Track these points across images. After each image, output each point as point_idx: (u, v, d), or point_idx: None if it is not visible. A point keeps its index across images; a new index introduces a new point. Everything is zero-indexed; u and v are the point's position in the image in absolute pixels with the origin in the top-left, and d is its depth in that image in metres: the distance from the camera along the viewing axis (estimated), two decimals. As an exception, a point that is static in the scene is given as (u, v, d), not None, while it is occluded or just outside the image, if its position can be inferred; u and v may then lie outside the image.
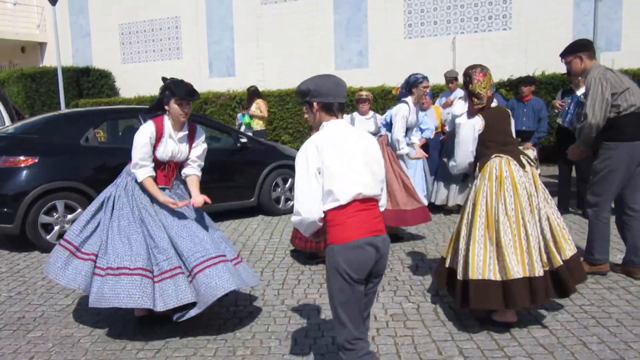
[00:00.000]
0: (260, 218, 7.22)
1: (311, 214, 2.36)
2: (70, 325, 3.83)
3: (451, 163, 3.93)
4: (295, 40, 14.05)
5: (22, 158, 5.63)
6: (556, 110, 6.70)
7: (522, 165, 3.55)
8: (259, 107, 9.61)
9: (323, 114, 2.49)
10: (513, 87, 9.94)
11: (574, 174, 6.82)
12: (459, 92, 7.24)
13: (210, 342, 3.48)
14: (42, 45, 18.38)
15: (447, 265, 3.72)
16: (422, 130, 6.56)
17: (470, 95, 3.67)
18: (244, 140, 7.12)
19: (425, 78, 5.40)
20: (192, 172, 3.85)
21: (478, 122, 3.64)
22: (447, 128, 6.80)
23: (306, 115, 2.56)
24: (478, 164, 3.70)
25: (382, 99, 11.30)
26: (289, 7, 14.13)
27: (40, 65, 17.50)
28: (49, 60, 17.96)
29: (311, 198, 2.36)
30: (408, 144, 5.67)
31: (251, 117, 9.61)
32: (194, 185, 3.80)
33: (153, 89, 15.11)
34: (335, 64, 13.80)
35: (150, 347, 3.44)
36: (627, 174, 4.35)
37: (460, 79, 6.91)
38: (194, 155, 3.82)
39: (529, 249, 3.39)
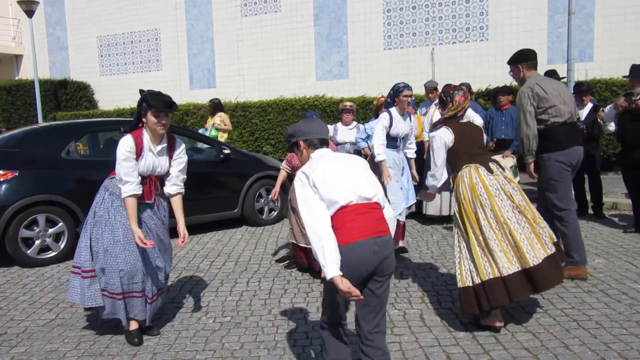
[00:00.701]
0: (244, 229, 7.22)
1: (317, 226, 2.40)
2: (54, 340, 3.79)
3: (428, 180, 4.03)
4: (276, 52, 14.13)
5: (1, 172, 5.56)
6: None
7: (490, 171, 3.68)
8: (223, 120, 9.45)
9: (310, 149, 2.71)
10: (491, 96, 10.14)
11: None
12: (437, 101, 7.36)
13: (199, 354, 3.48)
14: (18, 58, 18.16)
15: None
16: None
17: (449, 115, 3.87)
18: (227, 151, 7.13)
19: (406, 86, 5.43)
20: (176, 190, 3.79)
21: (448, 134, 3.80)
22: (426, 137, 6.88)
23: (297, 157, 2.82)
24: (451, 177, 3.88)
25: (363, 110, 11.41)
26: (269, 19, 14.23)
27: (17, 78, 17.28)
28: (25, 72, 17.75)
29: (315, 213, 2.43)
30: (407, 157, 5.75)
31: (217, 130, 9.44)
32: (179, 209, 3.78)
33: (132, 101, 14.99)
34: (316, 75, 13.91)
35: (138, 360, 3.43)
36: (570, 176, 4.65)
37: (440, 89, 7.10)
38: (176, 170, 3.76)
39: (517, 244, 3.51)
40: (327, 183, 2.46)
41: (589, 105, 6.97)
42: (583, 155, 4.71)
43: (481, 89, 10.77)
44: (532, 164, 4.68)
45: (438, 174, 3.93)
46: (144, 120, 3.55)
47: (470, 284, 3.57)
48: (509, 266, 3.49)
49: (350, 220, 2.42)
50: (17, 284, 5.08)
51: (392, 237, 2.58)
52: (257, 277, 5.07)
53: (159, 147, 3.63)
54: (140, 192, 3.56)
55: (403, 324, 3.85)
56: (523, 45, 12.08)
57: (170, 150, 3.72)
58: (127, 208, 3.52)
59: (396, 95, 5.41)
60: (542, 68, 8.06)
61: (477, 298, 3.54)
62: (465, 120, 3.98)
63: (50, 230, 5.72)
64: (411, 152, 5.78)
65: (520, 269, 3.50)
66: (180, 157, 3.78)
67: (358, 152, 6.82)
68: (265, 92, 13.83)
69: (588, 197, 7.13)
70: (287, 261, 5.36)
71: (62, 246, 5.78)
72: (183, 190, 3.85)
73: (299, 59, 13.98)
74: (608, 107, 6.35)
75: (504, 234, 3.55)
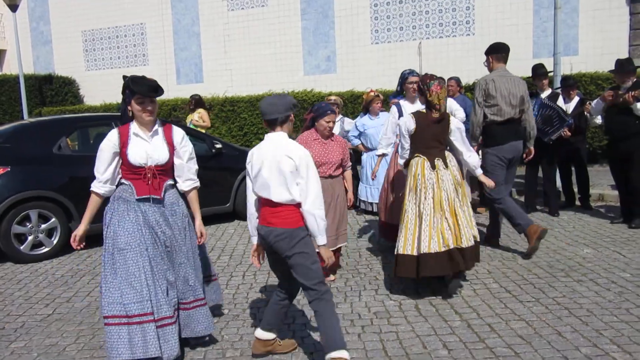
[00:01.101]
0: (236, 223, 7.24)
1: (251, 208, 3.17)
2: (53, 335, 3.80)
3: (399, 161, 4.60)
4: (263, 47, 14.10)
5: (-8, 167, 5.52)
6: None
7: (433, 167, 4.21)
8: (201, 116, 9.33)
9: (267, 128, 3.12)
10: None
11: (540, 174, 7.08)
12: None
13: (200, 345, 3.51)
14: (1, 53, 17.87)
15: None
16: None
17: (429, 105, 4.30)
18: (218, 145, 7.14)
19: (412, 72, 5.34)
20: (190, 186, 3.48)
21: (411, 122, 4.32)
22: None
23: None
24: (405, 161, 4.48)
25: (352, 104, 11.46)
26: (255, 13, 14.18)
27: (0, 73, 17.01)
28: (9, 67, 17.48)
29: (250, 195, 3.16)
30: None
31: (195, 127, 9.14)
32: (194, 205, 3.50)
33: (119, 96, 14.80)
34: (304, 70, 13.91)
35: (139, 353, 3.44)
36: (503, 170, 5.20)
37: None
38: (183, 161, 3.42)
39: (428, 231, 4.10)
40: (255, 174, 3.08)
41: (576, 99, 7.09)
42: (522, 149, 5.28)
43: (468, 82, 10.86)
44: (476, 147, 5.23)
45: (405, 154, 4.47)
46: (129, 108, 3.26)
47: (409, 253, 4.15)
48: (409, 247, 4.13)
49: (260, 208, 3.14)
50: (11, 280, 5.06)
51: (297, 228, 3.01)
52: (252, 271, 5.11)
53: (150, 133, 3.31)
54: (103, 193, 3.31)
55: (399, 314, 3.92)
56: (509, 40, 12.22)
57: (168, 139, 3.36)
58: (89, 204, 3.30)
59: (404, 83, 5.36)
60: (528, 62, 8.21)
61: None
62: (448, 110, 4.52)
63: (43, 226, 5.70)
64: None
65: (416, 253, 4.10)
66: (184, 145, 3.41)
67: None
68: (253, 87, 13.80)
69: (575, 189, 7.26)
70: None
71: (54, 242, 5.77)
72: (198, 184, 3.52)
73: (287, 53, 13.96)
74: (595, 100, 6.47)
75: (423, 220, 4.13)
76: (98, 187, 3.31)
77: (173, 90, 14.35)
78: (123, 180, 3.34)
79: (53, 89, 15.71)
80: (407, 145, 4.41)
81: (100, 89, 15.66)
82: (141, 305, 3.11)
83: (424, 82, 4.29)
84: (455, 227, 4.13)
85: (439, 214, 4.13)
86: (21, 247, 5.58)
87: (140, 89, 3.20)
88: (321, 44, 13.75)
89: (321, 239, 3.00)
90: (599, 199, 7.59)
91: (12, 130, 6.09)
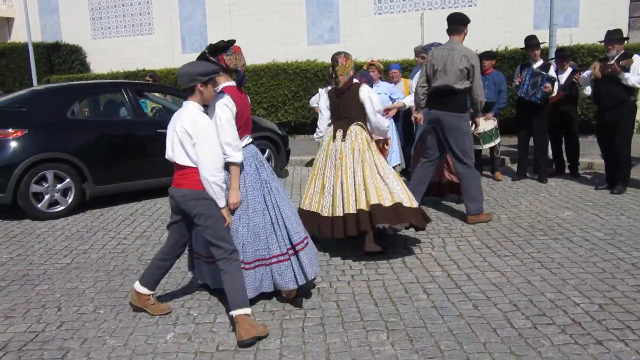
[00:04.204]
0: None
1: None
2: (73, 280, 4.20)
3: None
4: (268, 16, 14.24)
5: (10, 130, 5.87)
6: (516, 84, 7.21)
7: (335, 138, 4.50)
8: None
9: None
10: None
11: (531, 143, 7.37)
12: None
13: (205, 289, 3.90)
14: (9, 21, 18.06)
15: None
16: (393, 100, 7.02)
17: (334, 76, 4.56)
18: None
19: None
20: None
21: (325, 98, 4.69)
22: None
23: None
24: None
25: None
26: (260, -18, 14.28)
27: (8, 41, 17.25)
28: (17, 36, 17.70)
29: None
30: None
31: None
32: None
33: (125, 64, 15.15)
34: (308, 40, 14.08)
35: (151, 295, 3.85)
36: (435, 135, 5.45)
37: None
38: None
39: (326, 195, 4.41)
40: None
41: (569, 70, 7.32)
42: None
43: (469, 54, 11.05)
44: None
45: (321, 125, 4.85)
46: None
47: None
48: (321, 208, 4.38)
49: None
50: (31, 234, 5.47)
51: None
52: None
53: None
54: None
55: (386, 265, 4.29)
56: (510, 11, 12.39)
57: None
58: (237, 174, 3.37)
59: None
60: (528, 33, 8.38)
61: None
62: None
63: (59, 186, 6.08)
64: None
65: (329, 215, 4.32)
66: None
67: None
68: (257, 57, 13.98)
69: (565, 158, 7.55)
70: None
71: (69, 200, 6.15)
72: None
73: (291, 23, 14.11)
74: (586, 72, 6.70)
75: (327, 185, 4.41)
76: (239, 156, 3.35)
77: (178, 60, 14.57)
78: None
79: (61, 57, 15.96)
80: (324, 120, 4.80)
81: (107, 57, 15.89)
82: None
83: (333, 59, 4.53)
84: (352, 192, 4.31)
85: (338, 182, 4.35)
86: (39, 205, 5.97)
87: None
88: (325, 14, 13.88)
89: (220, 202, 3.17)
90: (588, 167, 7.90)
91: (28, 95, 6.42)
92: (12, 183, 5.78)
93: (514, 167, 8.00)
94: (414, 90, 6.98)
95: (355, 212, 4.26)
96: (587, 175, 7.45)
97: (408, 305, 3.53)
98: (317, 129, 4.98)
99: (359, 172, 4.36)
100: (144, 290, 3.49)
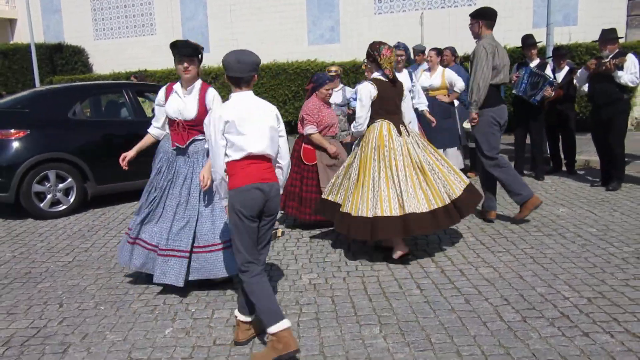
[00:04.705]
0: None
1: (219, 169, 2.99)
2: (74, 277, 4.29)
3: (353, 124, 4.55)
4: (269, 16, 14.33)
5: (13, 131, 5.97)
6: (512, 81, 7.27)
7: (399, 132, 4.35)
8: None
9: (232, 86, 3.02)
10: (476, 60, 10.48)
11: (528, 140, 7.43)
12: (424, 65, 7.74)
13: (203, 285, 3.99)
14: (11, 22, 18.20)
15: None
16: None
17: (377, 67, 4.43)
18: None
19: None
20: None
21: (372, 89, 4.37)
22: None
23: None
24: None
25: (354, 73, 11.75)
26: (261, -17, 14.37)
27: (11, 42, 17.39)
28: (19, 37, 17.84)
29: (217, 154, 2.96)
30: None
31: None
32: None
33: (127, 65, 15.26)
34: (308, 40, 14.16)
35: (150, 291, 3.94)
36: (494, 133, 5.18)
37: (427, 53, 7.49)
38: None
39: (403, 192, 4.16)
40: (231, 140, 2.92)
41: (566, 69, 7.38)
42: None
43: (467, 52, 11.11)
44: (472, 114, 5.19)
45: (362, 120, 4.43)
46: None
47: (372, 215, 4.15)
48: (388, 208, 4.12)
49: (241, 169, 2.93)
50: (33, 233, 5.57)
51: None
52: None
53: (186, 91, 3.79)
54: (157, 134, 4.08)
55: (382, 262, 4.37)
56: (510, 10, 12.43)
57: (201, 98, 3.78)
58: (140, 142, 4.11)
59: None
60: (528, 32, 8.45)
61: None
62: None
63: (60, 185, 6.18)
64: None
65: (399, 214, 4.10)
66: (213, 104, 3.75)
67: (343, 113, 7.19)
68: (259, 57, 14.10)
69: (562, 155, 7.62)
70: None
71: (71, 200, 6.25)
72: None
73: (292, 23, 14.20)
74: (580, 70, 6.77)
75: (394, 182, 4.18)
76: (154, 130, 4.09)
77: (180, 60, 14.68)
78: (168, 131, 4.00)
79: (63, 58, 16.09)
80: (365, 114, 4.42)
81: (109, 58, 16.01)
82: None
83: (373, 47, 4.41)
84: (433, 187, 4.27)
85: (414, 177, 4.25)
86: (41, 205, 6.06)
87: (179, 51, 3.70)
88: (325, 14, 13.96)
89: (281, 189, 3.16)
90: (585, 165, 7.95)
91: (30, 96, 6.52)
92: (15, 183, 5.88)
93: (511, 164, 8.04)
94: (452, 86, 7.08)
95: (448, 202, 4.24)
96: (583, 172, 7.51)
97: (401, 300, 3.61)
98: (356, 122, 4.50)
99: (434, 165, 4.37)
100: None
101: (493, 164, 5.20)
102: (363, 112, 4.41)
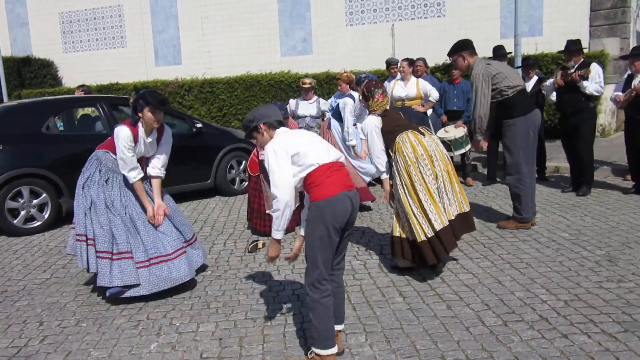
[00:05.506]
0: (217, 198, 7.68)
1: (288, 194, 2.86)
2: (53, 295, 4.22)
3: (376, 161, 4.34)
4: (241, 28, 14.36)
5: (-16, 147, 5.85)
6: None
7: (422, 134, 4.19)
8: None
9: (270, 130, 3.08)
10: (447, 70, 10.72)
11: (501, 149, 7.60)
12: (398, 76, 7.89)
13: (186, 300, 3.98)
14: (-23, 35, 17.79)
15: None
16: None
17: (369, 109, 4.39)
18: (199, 125, 7.52)
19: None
20: (155, 174, 4.20)
21: (375, 118, 4.26)
22: None
23: (256, 140, 3.15)
24: (390, 148, 4.22)
25: (327, 84, 11.87)
26: (233, -5, 14.40)
27: (-24, 56, 16.98)
28: (-15, 50, 17.45)
29: (287, 182, 2.86)
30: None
31: None
32: (157, 189, 4.16)
33: (98, 78, 15.07)
34: (281, 52, 14.23)
35: (133, 306, 3.90)
36: (529, 141, 5.18)
37: (399, 64, 7.62)
38: (161, 155, 4.21)
39: (442, 201, 4.15)
40: (302, 148, 2.90)
41: (535, 78, 7.61)
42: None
43: (438, 63, 11.35)
44: (478, 141, 5.29)
45: (381, 153, 4.27)
46: (140, 115, 3.95)
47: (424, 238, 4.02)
48: (439, 222, 4.02)
49: (327, 177, 2.86)
50: (7, 251, 5.45)
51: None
52: (233, 239, 5.57)
53: (151, 138, 4.08)
54: (143, 175, 4.09)
55: (364, 271, 4.43)
56: (477, 20, 12.75)
57: (159, 138, 4.18)
58: (137, 191, 4.04)
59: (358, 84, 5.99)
60: (495, 43, 8.68)
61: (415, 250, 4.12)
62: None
63: (35, 201, 6.07)
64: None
65: (447, 224, 4.08)
66: (167, 143, 4.25)
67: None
68: (232, 69, 14.09)
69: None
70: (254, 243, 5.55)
71: (46, 216, 6.14)
72: (162, 175, 4.23)
73: (264, 35, 14.25)
74: (548, 80, 6.99)
75: (435, 191, 4.07)
76: (141, 173, 4.06)
77: (152, 73, 14.59)
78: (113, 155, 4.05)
79: (32, 71, 15.79)
80: (381, 145, 4.25)
81: (79, 71, 15.77)
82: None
83: (368, 89, 4.32)
84: (455, 194, 4.24)
85: (442, 185, 4.14)
86: (15, 221, 5.94)
87: (154, 102, 3.90)
88: (297, 25, 14.07)
89: None
90: (555, 171, 8.19)
91: (2, 111, 6.40)
92: (-13, 199, 5.75)
93: (484, 171, 8.24)
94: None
95: (455, 216, 4.22)
96: (554, 178, 7.73)
97: (385, 309, 3.66)
98: (379, 158, 4.33)
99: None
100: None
101: (515, 179, 5.24)
102: (379, 145, 4.25)
